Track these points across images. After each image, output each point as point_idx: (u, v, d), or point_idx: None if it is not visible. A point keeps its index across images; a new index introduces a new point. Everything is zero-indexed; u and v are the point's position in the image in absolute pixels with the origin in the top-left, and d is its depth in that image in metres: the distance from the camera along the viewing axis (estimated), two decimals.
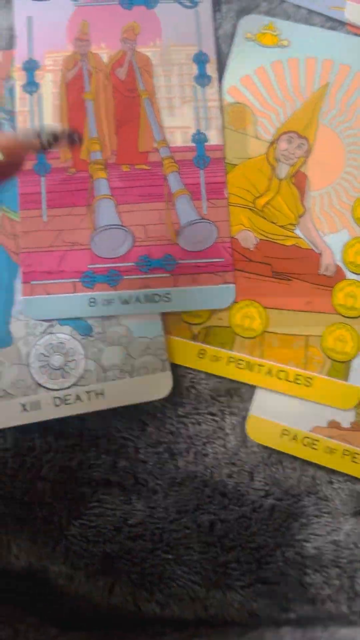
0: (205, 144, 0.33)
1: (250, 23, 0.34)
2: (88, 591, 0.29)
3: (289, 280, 0.32)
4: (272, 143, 0.33)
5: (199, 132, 0.33)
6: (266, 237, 0.32)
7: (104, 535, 0.29)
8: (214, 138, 0.33)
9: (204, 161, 0.33)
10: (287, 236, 0.32)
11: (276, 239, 0.32)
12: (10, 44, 0.33)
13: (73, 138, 0.27)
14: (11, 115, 0.33)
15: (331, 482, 0.29)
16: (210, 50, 0.34)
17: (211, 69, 0.33)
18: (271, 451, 0.31)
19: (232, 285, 0.32)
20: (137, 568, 0.28)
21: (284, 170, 0.33)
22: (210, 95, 0.34)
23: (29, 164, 0.31)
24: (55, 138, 0.26)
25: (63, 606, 0.28)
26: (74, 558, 0.29)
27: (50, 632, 0.26)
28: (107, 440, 0.30)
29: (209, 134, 0.33)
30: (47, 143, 0.26)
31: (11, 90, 0.33)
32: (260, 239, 0.33)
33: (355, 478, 0.31)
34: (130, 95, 0.32)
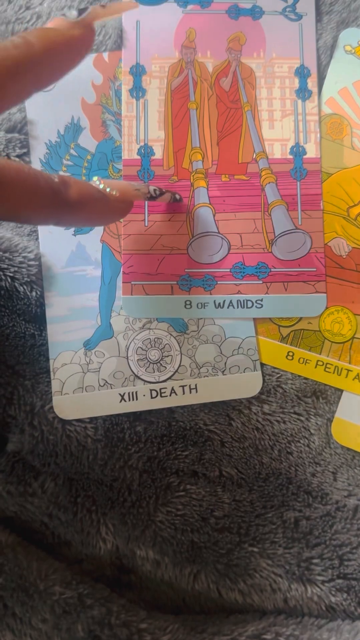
0: (303, 157, 0.35)
1: (351, 36, 0.35)
2: (174, 577, 0.32)
3: None
4: None
5: (297, 145, 0.36)
6: (359, 245, 0.34)
7: (191, 524, 0.32)
8: (311, 151, 0.36)
9: (301, 173, 0.35)
10: None
11: None
12: (118, 44, 0.36)
13: (175, 197, 0.34)
14: (116, 117, 0.36)
15: None
16: (311, 64, 0.36)
17: (312, 83, 0.36)
18: (354, 453, 0.33)
19: (323, 295, 0.34)
20: (223, 559, 0.32)
21: None
22: (310, 109, 0.36)
23: (133, 170, 0.35)
24: (161, 192, 0.32)
25: (148, 590, 0.30)
26: (162, 544, 0.32)
27: (140, 614, 0.28)
28: (194, 432, 0.33)
29: (307, 147, 0.36)
30: (154, 194, 0.32)
31: (117, 92, 0.36)
32: (353, 247, 0.35)
33: None
34: (233, 107, 0.34)
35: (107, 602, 0.30)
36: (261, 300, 0.33)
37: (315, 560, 0.31)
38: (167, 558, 0.31)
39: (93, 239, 0.34)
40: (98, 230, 0.34)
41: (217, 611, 0.31)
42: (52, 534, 0.33)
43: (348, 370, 0.33)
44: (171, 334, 0.33)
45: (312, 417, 0.33)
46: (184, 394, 0.33)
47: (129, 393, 0.33)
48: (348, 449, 0.32)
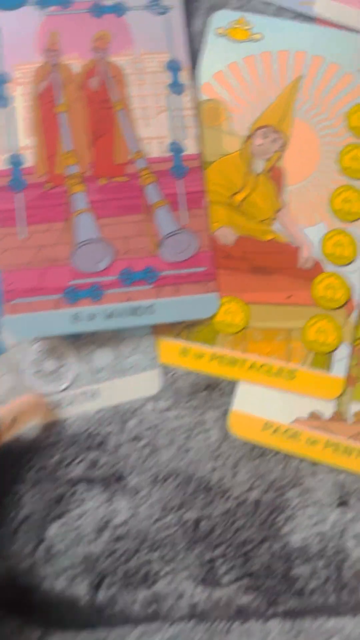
0: (182, 153, 0.36)
1: (221, 19, 0.36)
2: (72, 592, 0.35)
3: (269, 274, 0.33)
4: (247, 138, 0.34)
5: (175, 142, 0.37)
6: (245, 232, 0.34)
7: (87, 535, 0.34)
8: (191, 147, 0.36)
9: (182, 171, 0.36)
10: (265, 231, 0.34)
11: (255, 235, 0.34)
12: None
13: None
14: None
15: (315, 474, 0.33)
16: (183, 57, 0.37)
17: (185, 77, 0.37)
18: (254, 445, 0.35)
19: (215, 294, 0.36)
20: (121, 568, 0.33)
21: (259, 165, 0.34)
22: (185, 104, 0.37)
23: (4, 181, 0.35)
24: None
25: (48, 608, 0.30)
26: (56, 559, 0.34)
27: (33, 635, 0.28)
28: (86, 436, 0.35)
29: (186, 143, 0.36)
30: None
31: None
32: (239, 235, 0.37)
33: (338, 468, 0.34)
34: (104, 107, 0.34)
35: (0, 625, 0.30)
36: (152, 306, 0.34)
37: (218, 561, 0.31)
38: (63, 573, 0.32)
39: None
40: None
41: (123, 624, 0.31)
42: None
43: (243, 360, 0.34)
44: (65, 342, 0.33)
45: (208, 411, 0.34)
46: (84, 401, 0.33)
47: None
48: (246, 441, 0.32)
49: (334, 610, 0.33)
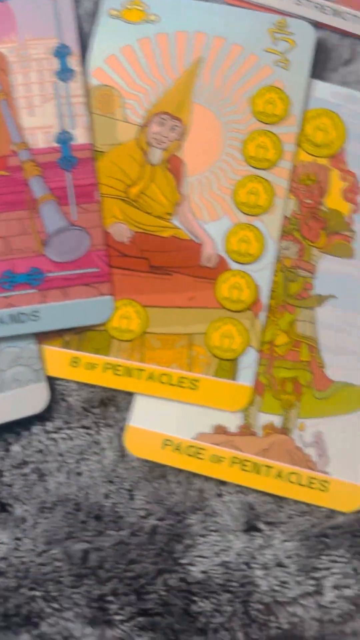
0: (71, 143, 0.33)
1: None
2: None
3: (169, 274, 0.30)
4: (142, 126, 0.31)
5: (63, 131, 0.34)
6: (141, 229, 0.31)
7: None
8: (80, 136, 0.33)
9: (71, 162, 0.33)
10: (164, 227, 0.31)
11: (153, 231, 0.31)
12: None
13: None
14: None
15: (220, 495, 0.30)
16: (72, 42, 0.34)
17: (74, 62, 0.35)
18: (154, 465, 0.32)
19: (108, 297, 0.33)
20: (0, 607, 0.26)
21: (157, 155, 0.31)
22: (74, 91, 0.34)
23: None
24: None
25: None
26: None
27: None
28: None
29: (75, 132, 0.34)
30: None
31: None
32: (135, 232, 0.34)
33: (247, 488, 0.31)
34: None
35: None
36: (37, 311, 0.31)
37: (108, 598, 0.28)
38: None
39: None
40: None
41: None
42: None
43: (140, 370, 0.31)
44: None
45: (102, 429, 0.31)
46: None
47: None
48: (145, 461, 0.29)
49: None
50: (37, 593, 0.30)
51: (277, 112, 0.35)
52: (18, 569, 0.30)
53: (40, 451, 0.31)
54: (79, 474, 0.31)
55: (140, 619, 0.29)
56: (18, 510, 0.31)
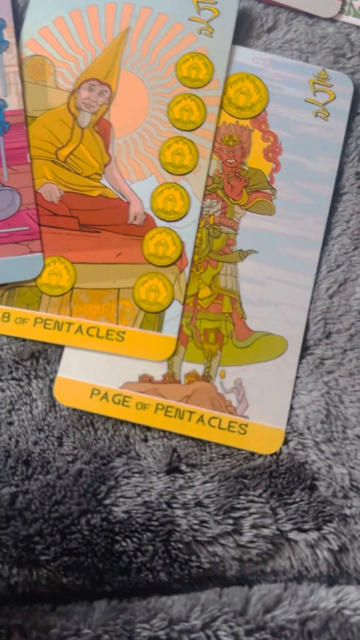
0: (4, 110, 0.35)
1: None
2: None
3: (98, 232, 0.31)
4: (72, 92, 0.32)
5: None
6: (71, 188, 0.33)
7: None
8: (13, 103, 0.35)
9: (3, 127, 0.35)
10: (93, 187, 0.32)
11: (82, 190, 0.32)
12: None
13: None
14: None
15: (145, 440, 0.31)
16: (6, 14, 0.36)
17: (8, 34, 0.36)
18: (82, 413, 0.33)
19: (39, 254, 0.33)
20: None
21: (86, 118, 0.32)
22: (8, 61, 0.35)
23: None
24: None
25: None
26: None
27: None
28: None
29: (8, 99, 0.35)
30: None
31: None
32: (65, 191, 0.35)
33: (171, 433, 0.32)
34: None
35: None
36: None
37: (35, 539, 0.28)
38: None
39: None
40: None
41: None
42: None
43: (69, 324, 0.32)
44: None
45: (33, 380, 0.32)
46: None
47: None
48: (74, 410, 0.30)
49: (169, 588, 0.31)
50: None
51: (200, 77, 0.36)
52: None
53: None
54: (10, 423, 0.32)
55: (65, 558, 0.30)
56: None
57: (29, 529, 0.30)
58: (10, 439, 0.32)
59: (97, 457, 0.31)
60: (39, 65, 0.37)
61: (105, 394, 0.32)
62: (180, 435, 0.32)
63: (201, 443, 0.32)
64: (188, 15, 0.37)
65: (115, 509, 0.31)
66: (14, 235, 0.33)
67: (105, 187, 0.34)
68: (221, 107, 0.36)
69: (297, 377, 0.33)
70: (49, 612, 0.30)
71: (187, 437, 0.32)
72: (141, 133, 0.35)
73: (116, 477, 0.31)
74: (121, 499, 0.31)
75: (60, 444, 0.32)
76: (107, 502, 0.31)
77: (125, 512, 0.31)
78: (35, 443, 0.32)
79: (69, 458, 0.31)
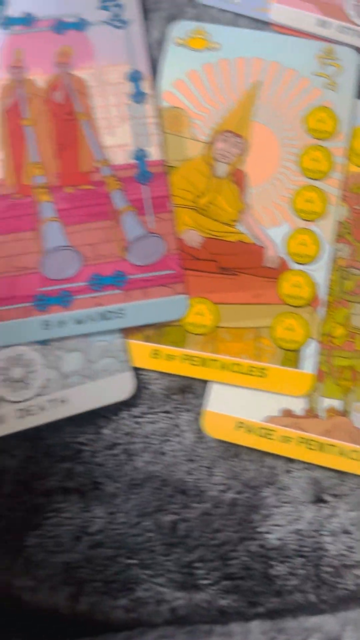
0: (146, 159, 0.37)
1: (179, 29, 0.37)
2: (53, 603, 0.34)
3: (236, 275, 0.33)
4: (208, 143, 0.34)
5: (139, 149, 0.37)
6: (211, 234, 0.34)
7: (63, 545, 0.34)
8: (154, 153, 0.37)
9: (147, 177, 0.37)
10: (230, 232, 0.34)
11: (221, 236, 0.34)
12: None
13: None
14: None
15: (289, 471, 0.33)
16: (144, 67, 0.38)
17: (146, 86, 0.38)
18: (228, 445, 0.35)
19: (183, 296, 0.36)
20: (100, 576, 0.33)
21: (222, 169, 0.34)
22: (148, 112, 0.38)
23: None
24: None
25: (30, 620, 0.29)
26: (36, 569, 0.34)
27: None
28: (61, 448, 0.35)
29: (150, 150, 0.37)
30: None
31: None
32: (205, 237, 0.37)
33: (312, 465, 0.34)
34: (68, 118, 0.34)
35: None
36: (122, 309, 0.34)
37: (196, 564, 0.31)
38: (42, 584, 0.32)
39: None
40: None
41: (105, 632, 0.30)
42: None
43: (213, 361, 0.34)
44: (33, 348, 0.33)
45: (181, 413, 0.34)
46: (53, 408, 0.33)
47: None
48: (221, 442, 0.32)
49: (316, 609, 0.33)
50: (133, 561, 0.33)
51: (327, 129, 0.39)
52: (115, 540, 0.33)
53: (128, 434, 0.35)
54: (163, 453, 0.35)
55: (225, 582, 0.33)
56: (109, 487, 0.34)
57: (191, 555, 0.33)
58: (164, 468, 0.34)
59: (247, 487, 0.34)
60: (176, 117, 0.39)
61: (250, 426, 0.35)
62: (321, 467, 0.34)
63: (341, 474, 0.34)
64: (313, 70, 0.39)
65: (269, 536, 0.33)
66: (161, 278, 0.36)
67: (242, 232, 0.37)
68: (347, 157, 0.38)
69: None
70: (210, 633, 0.33)
71: (328, 469, 0.34)
72: (274, 182, 0.37)
73: (268, 507, 0.34)
74: (274, 527, 0.33)
75: (211, 474, 0.34)
76: (261, 529, 0.33)
77: (278, 539, 0.33)
78: (189, 473, 0.34)
79: (221, 487, 0.34)
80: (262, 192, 0.37)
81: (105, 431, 0.35)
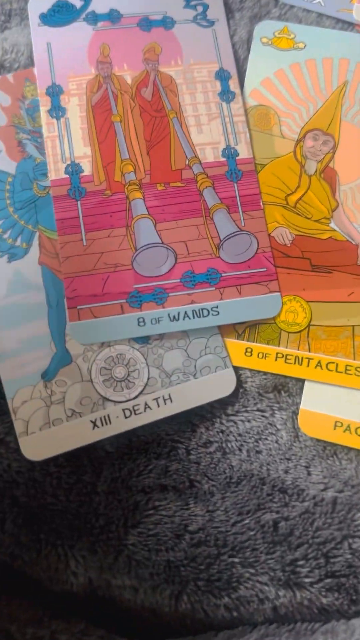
0: (237, 158, 0.37)
1: (265, 28, 0.37)
2: (154, 602, 0.33)
3: (329, 272, 0.33)
4: (298, 141, 0.35)
5: (228, 147, 0.37)
6: (302, 232, 0.35)
7: (165, 543, 0.34)
8: (243, 151, 0.37)
9: (237, 175, 0.37)
10: (322, 230, 0.34)
11: (312, 234, 0.34)
12: (26, 64, 0.38)
13: None
14: (32, 134, 0.37)
15: None
16: (231, 66, 0.38)
17: (234, 85, 0.38)
18: (325, 444, 0.35)
19: (277, 294, 0.36)
20: (203, 574, 0.33)
21: (312, 166, 0.34)
22: (236, 110, 0.38)
23: (63, 189, 0.36)
24: None
25: (129, 620, 0.29)
26: (137, 568, 0.33)
27: None
28: (156, 444, 0.34)
29: (239, 147, 0.37)
30: None
31: (29, 110, 0.37)
32: (296, 235, 0.37)
33: None
34: (158, 115, 0.34)
35: (84, 636, 0.29)
36: (216, 307, 0.34)
37: (300, 562, 0.32)
38: (144, 583, 0.32)
39: (30, 262, 0.34)
40: (34, 253, 0.33)
41: (205, 631, 0.29)
42: (17, 574, 0.30)
43: (309, 359, 0.33)
44: (133, 347, 0.32)
45: (276, 412, 0.33)
46: (158, 406, 0.33)
47: (100, 418, 0.32)
48: (318, 440, 0.32)
49: None
50: (236, 560, 0.33)
51: None
52: (216, 538, 0.33)
53: (222, 432, 0.34)
54: (259, 452, 0.34)
55: (327, 580, 0.32)
56: (205, 485, 0.34)
57: (294, 553, 0.33)
58: (261, 467, 0.34)
59: (347, 486, 0.34)
60: (264, 115, 0.39)
61: (348, 426, 0.34)
62: None
63: None
64: None
65: None
66: (253, 276, 0.36)
67: (334, 230, 0.37)
68: None
69: None
70: (313, 631, 0.32)
71: None
72: None
73: None
74: None
75: (309, 473, 0.34)
76: None
77: None
78: (286, 472, 0.34)
79: (321, 487, 0.33)
80: (353, 189, 0.36)
81: (199, 429, 0.34)
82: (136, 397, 0.34)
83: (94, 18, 0.38)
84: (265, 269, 0.36)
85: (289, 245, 0.36)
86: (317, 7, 0.40)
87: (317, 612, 0.32)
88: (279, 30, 0.39)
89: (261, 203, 0.36)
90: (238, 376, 0.35)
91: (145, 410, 0.34)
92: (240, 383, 0.35)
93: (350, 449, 0.34)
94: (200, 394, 0.34)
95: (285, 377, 0.35)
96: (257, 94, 0.38)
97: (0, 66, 0.38)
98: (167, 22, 0.38)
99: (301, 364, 0.35)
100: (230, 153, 0.36)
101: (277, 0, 0.39)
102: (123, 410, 0.34)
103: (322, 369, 0.35)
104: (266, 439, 0.34)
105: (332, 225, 0.36)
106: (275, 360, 0.35)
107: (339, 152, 0.37)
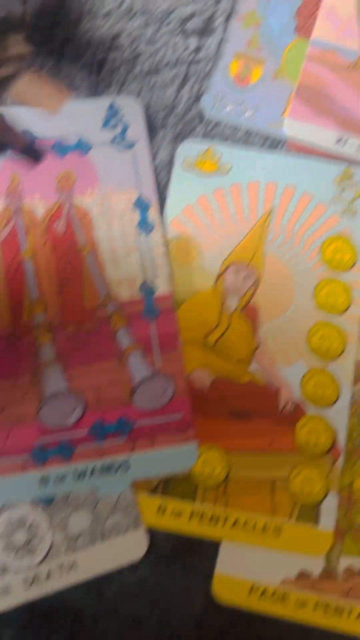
0: (154, 295, 0.35)
1: (188, 149, 0.34)
2: None
3: (248, 419, 0.31)
4: (218, 276, 0.31)
5: (146, 283, 0.35)
6: (221, 374, 0.31)
7: None
8: (162, 286, 0.35)
9: (154, 313, 0.35)
10: (242, 372, 0.31)
11: (231, 376, 0.31)
12: None
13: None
14: None
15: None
16: (151, 193, 0.36)
17: (154, 214, 0.36)
18: (241, 610, 0.29)
19: (193, 444, 0.33)
20: None
21: (233, 302, 0.32)
22: (155, 242, 0.36)
23: None
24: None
25: None
26: None
27: None
28: (60, 614, 0.31)
29: (158, 282, 0.35)
30: None
31: None
32: (215, 377, 0.35)
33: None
34: (71, 251, 0.31)
35: None
36: (127, 461, 0.33)
37: None
38: None
39: None
40: None
41: None
42: None
43: (225, 518, 0.31)
44: (37, 508, 0.30)
45: (190, 576, 0.30)
46: (62, 574, 0.30)
47: None
48: (234, 609, 0.29)
49: None
50: None
51: (345, 260, 0.36)
52: None
53: (133, 597, 0.31)
54: (170, 620, 0.31)
55: None
56: None
57: None
58: (171, 638, 0.31)
59: None
60: (185, 247, 0.37)
61: (264, 591, 0.32)
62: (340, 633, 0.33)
63: None
64: (330, 195, 0.37)
65: None
66: (168, 424, 0.33)
67: (254, 373, 0.34)
68: None
69: None
70: None
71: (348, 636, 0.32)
72: (288, 318, 0.35)
73: None
74: None
75: None
76: None
77: None
78: None
79: None
80: (275, 328, 0.34)
81: (108, 594, 0.32)
82: (39, 564, 0.31)
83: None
84: (180, 416, 0.33)
85: (206, 389, 0.33)
86: (246, 122, 0.37)
87: None
88: (202, 152, 0.36)
89: (179, 343, 0.34)
90: (150, 536, 0.32)
91: (47, 579, 0.31)
92: (152, 543, 0.32)
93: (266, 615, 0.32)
94: (108, 559, 0.31)
95: (200, 538, 0.32)
96: (178, 223, 0.36)
97: None
98: (82, 146, 0.36)
99: (217, 523, 0.32)
100: (147, 289, 0.34)
101: (202, 116, 0.38)
102: (23, 579, 0.31)
103: (239, 528, 0.32)
104: (179, 606, 0.31)
105: (253, 367, 0.34)
106: (190, 519, 0.32)
107: (262, 287, 0.35)
